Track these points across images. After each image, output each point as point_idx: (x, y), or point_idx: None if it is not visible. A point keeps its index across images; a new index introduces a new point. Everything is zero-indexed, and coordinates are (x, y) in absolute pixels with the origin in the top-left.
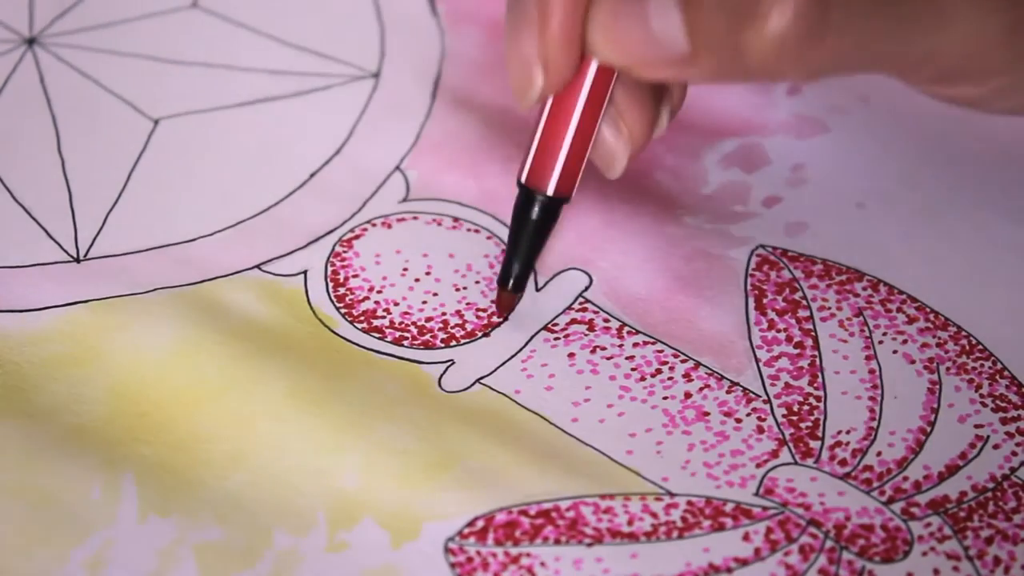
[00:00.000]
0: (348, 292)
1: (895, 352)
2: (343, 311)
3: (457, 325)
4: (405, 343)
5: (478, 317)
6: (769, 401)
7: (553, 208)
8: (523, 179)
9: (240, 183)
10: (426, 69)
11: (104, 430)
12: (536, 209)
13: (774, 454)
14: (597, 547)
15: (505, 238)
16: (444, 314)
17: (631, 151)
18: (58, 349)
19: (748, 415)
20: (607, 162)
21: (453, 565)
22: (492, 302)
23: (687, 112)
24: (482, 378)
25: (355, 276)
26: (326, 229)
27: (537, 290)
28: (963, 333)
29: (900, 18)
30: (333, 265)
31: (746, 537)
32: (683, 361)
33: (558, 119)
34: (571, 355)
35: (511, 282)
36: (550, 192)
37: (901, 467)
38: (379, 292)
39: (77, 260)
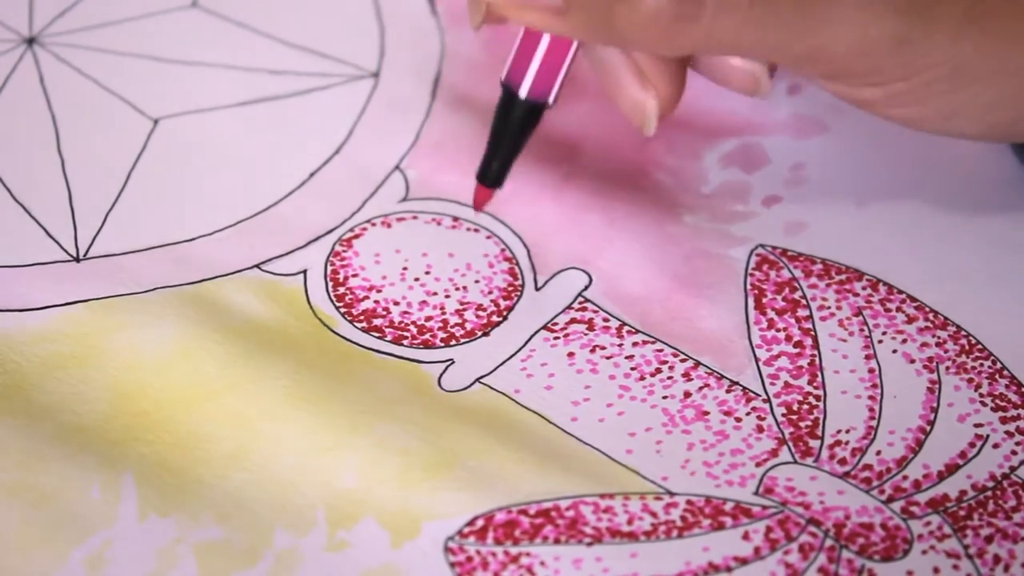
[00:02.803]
0: (348, 291)
1: (895, 351)
2: (343, 310)
3: (457, 324)
4: (405, 342)
5: (478, 316)
6: (769, 400)
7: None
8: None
9: (240, 182)
10: (426, 68)
11: (104, 429)
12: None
13: (774, 453)
14: (597, 546)
15: (506, 239)
16: (444, 313)
17: (661, 107)
18: (58, 348)
19: (748, 414)
20: (637, 116)
21: (453, 564)
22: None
23: (687, 112)
24: (482, 377)
25: (355, 275)
26: (326, 228)
27: (537, 290)
28: (962, 332)
29: (781, 13)
30: (333, 264)
31: (746, 536)
32: (683, 360)
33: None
34: (571, 354)
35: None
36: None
37: (901, 466)
38: (379, 291)
39: (77, 259)
